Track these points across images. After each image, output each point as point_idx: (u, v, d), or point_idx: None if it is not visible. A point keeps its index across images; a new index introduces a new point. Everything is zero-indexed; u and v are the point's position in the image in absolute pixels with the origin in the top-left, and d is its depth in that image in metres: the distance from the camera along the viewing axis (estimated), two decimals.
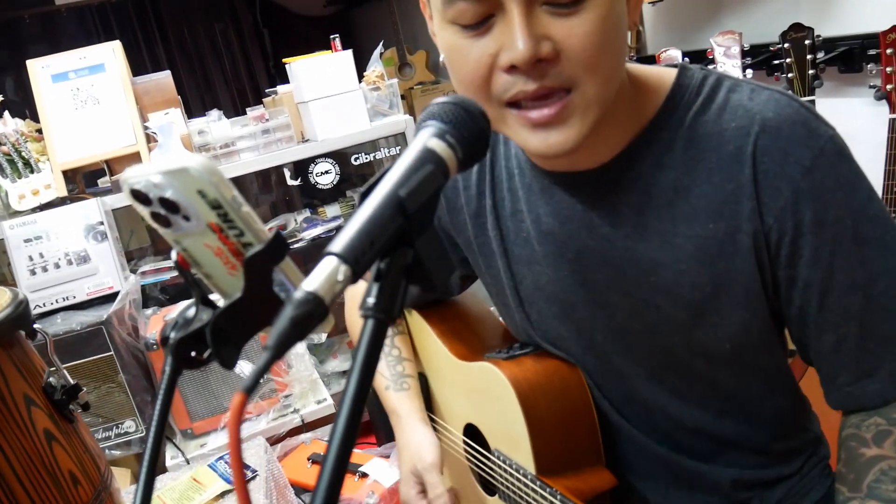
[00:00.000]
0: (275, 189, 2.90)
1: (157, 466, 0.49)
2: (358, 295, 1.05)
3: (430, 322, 0.96)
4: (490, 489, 0.89)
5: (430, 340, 0.96)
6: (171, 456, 1.97)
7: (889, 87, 1.61)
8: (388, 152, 2.40)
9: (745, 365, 0.75)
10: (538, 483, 0.74)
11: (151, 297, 2.31)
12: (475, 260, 0.88)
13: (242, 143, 2.30)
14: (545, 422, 0.76)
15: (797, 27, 1.82)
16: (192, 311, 0.50)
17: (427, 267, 0.46)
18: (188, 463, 1.84)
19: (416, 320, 1.00)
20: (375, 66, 2.38)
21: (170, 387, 0.48)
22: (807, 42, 1.81)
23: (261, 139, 2.32)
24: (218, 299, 0.51)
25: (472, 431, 0.90)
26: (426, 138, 0.50)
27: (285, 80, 2.48)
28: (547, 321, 0.81)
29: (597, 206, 0.73)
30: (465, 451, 0.92)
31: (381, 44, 2.45)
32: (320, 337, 2.20)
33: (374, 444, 2.18)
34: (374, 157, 2.40)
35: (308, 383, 2.19)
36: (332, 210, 2.57)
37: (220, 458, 1.60)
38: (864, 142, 1.82)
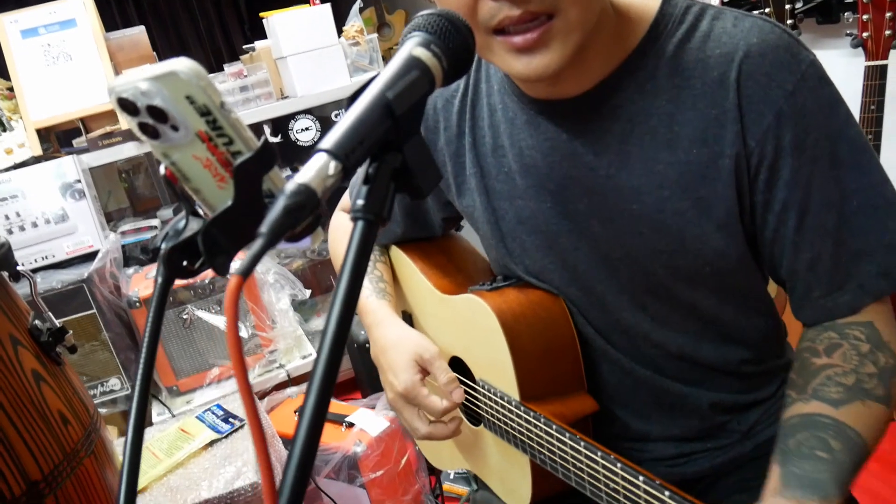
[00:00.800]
0: None
1: (149, 387, 0.50)
2: (341, 228, 1.06)
3: (414, 259, 0.97)
4: (475, 420, 0.91)
5: (414, 278, 0.97)
6: (157, 413, 1.98)
7: (865, 34, 1.63)
8: None
9: (724, 289, 0.77)
10: (522, 409, 0.76)
11: (132, 257, 2.29)
12: (456, 199, 0.89)
13: None
14: (528, 350, 0.78)
15: None
16: (182, 223, 0.50)
17: (414, 172, 0.47)
18: (174, 417, 1.86)
19: (399, 258, 1.01)
20: (355, 21, 2.36)
21: (161, 297, 0.49)
22: None
23: (239, 96, 2.29)
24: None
25: (457, 364, 0.91)
26: (412, 47, 0.50)
27: (260, 37, 2.44)
28: (530, 254, 0.83)
29: (581, 135, 0.74)
30: None
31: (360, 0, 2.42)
32: (304, 294, 2.20)
33: (360, 398, 2.21)
34: None
35: (293, 339, 2.21)
36: None
37: (208, 409, 1.62)
38: (844, 91, 1.84)
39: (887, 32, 1.61)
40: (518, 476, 0.83)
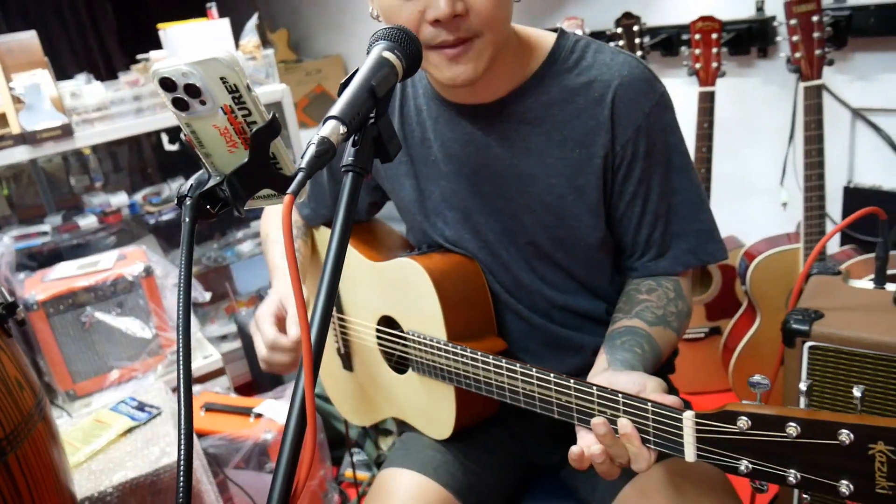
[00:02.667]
0: (152, 155, 2.88)
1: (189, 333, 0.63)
2: (272, 213, 1.20)
3: None
4: (402, 370, 1.07)
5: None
6: (55, 416, 1.96)
7: (697, 65, 1.98)
8: None
9: (592, 258, 1.00)
10: (451, 346, 0.95)
11: (19, 263, 2.25)
12: (386, 183, 1.07)
13: (115, 107, 2.30)
14: (453, 301, 0.97)
15: (628, 15, 2.16)
16: (205, 177, 0.64)
17: (385, 141, 0.65)
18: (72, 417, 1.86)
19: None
20: (251, 37, 2.47)
21: (191, 236, 0.63)
22: (635, 28, 2.15)
23: (133, 105, 2.33)
24: None
25: (385, 322, 1.08)
26: (381, 51, 0.68)
27: (144, 49, 2.47)
28: (450, 226, 1.02)
29: (492, 132, 0.95)
30: (379, 340, 1.10)
31: (256, 15, 2.53)
32: (204, 296, 2.26)
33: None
34: None
35: (194, 341, 2.26)
36: None
37: (121, 402, 1.66)
38: (681, 113, 2.20)
39: (714, 64, 1.97)
40: (443, 406, 1.00)
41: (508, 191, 0.96)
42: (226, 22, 2.34)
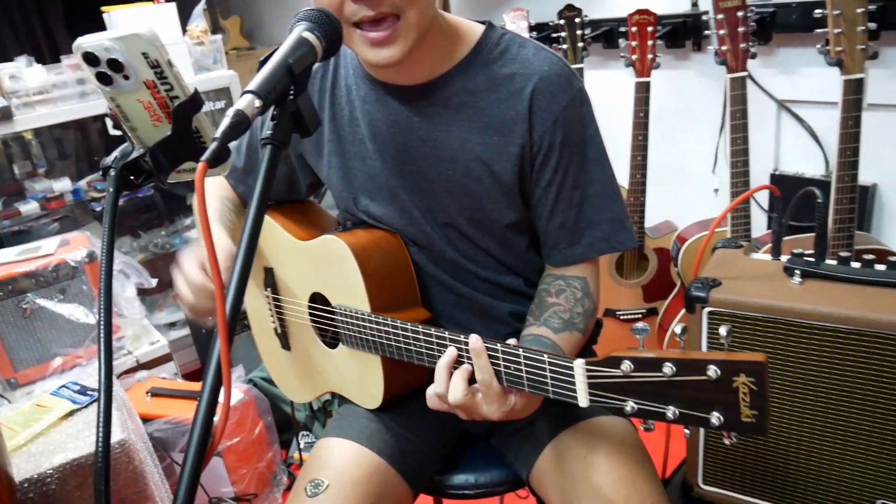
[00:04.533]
0: (98, 141, 2.84)
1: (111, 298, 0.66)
2: (211, 186, 1.22)
3: (275, 219, 1.17)
4: (334, 343, 1.11)
5: (275, 234, 1.16)
6: None
7: (633, 56, 2.05)
8: (214, 106, 2.49)
9: (507, 239, 1.06)
10: (373, 316, 0.99)
11: None
12: (316, 161, 1.10)
13: (58, 91, 2.27)
14: (375, 274, 1.01)
15: (570, 8, 2.22)
16: (129, 149, 0.67)
17: (304, 116, 0.69)
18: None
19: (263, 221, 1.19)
20: (199, 22, 2.46)
21: (114, 206, 0.66)
22: (577, 20, 2.22)
23: (77, 88, 2.30)
24: None
25: (316, 299, 1.12)
26: (301, 31, 0.72)
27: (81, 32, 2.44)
28: (376, 204, 1.06)
29: (417, 114, 0.99)
30: (311, 317, 1.13)
31: (204, 0, 2.52)
32: (150, 282, 2.26)
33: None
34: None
35: (140, 328, 2.25)
36: None
37: (63, 386, 1.66)
38: (619, 103, 2.28)
39: (649, 56, 2.05)
40: (372, 377, 1.05)
41: (430, 172, 1.01)
42: (172, 6, 2.33)
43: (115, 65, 0.63)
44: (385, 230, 1.07)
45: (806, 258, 0.92)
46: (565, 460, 0.97)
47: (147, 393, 2.00)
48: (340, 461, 0.99)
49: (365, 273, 1.00)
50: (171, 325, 2.73)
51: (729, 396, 0.63)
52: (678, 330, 0.68)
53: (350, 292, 1.02)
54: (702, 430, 0.97)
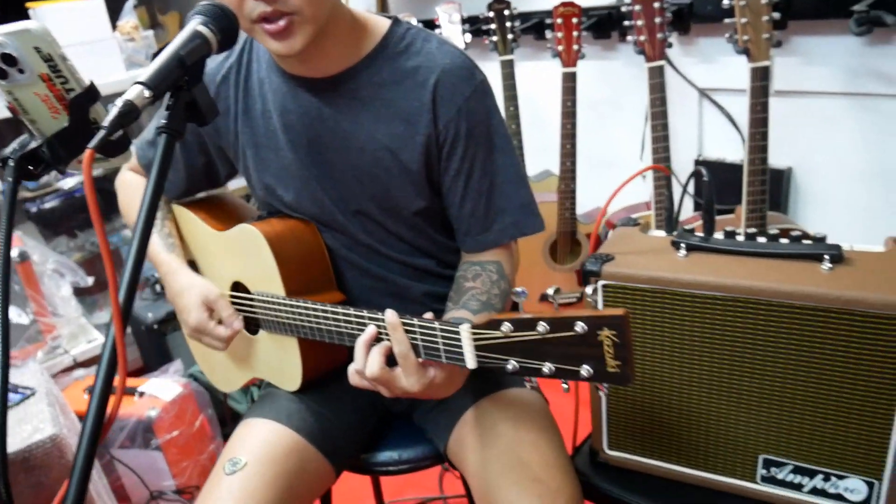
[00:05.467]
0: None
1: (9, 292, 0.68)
2: (127, 184, 1.24)
3: (195, 212, 1.20)
4: (256, 330, 1.15)
5: (195, 227, 1.19)
6: None
7: (560, 47, 2.12)
8: None
9: (417, 225, 1.10)
10: (288, 300, 1.03)
11: None
12: (232, 154, 1.14)
13: None
14: (289, 260, 1.05)
15: (500, 0, 2.27)
16: (27, 141, 0.69)
17: (199, 105, 0.72)
18: None
19: (182, 213, 1.22)
20: (129, 18, 2.44)
21: (13, 195, 0.68)
22: (506, 13, 2.27)
23: None
24: None
25: (237, 287, 1.15)
26: (195, 25, 0.75)
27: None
28: (289, 193, 1.09)
29: (328, 105, 1.03)
30: (233, 304, 1.16)
31: None
32: (86, 281, 2.24)
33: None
34: None
35: (77, 326, 2.23)
36: None
37: None
38: (548, 93, 2.34)
39: (575, 47, 2.11)
40: (291, 359, 1.08)
41: (340, 161, 1.05)
42: (100, 2, 2.30)
43: (8, 59, 0.65)
44: (299, 218, 1.10)
45: (695, 234, 0.99)
46: (476, 431, 1.02)
47: (85, 391, 1.99)
48: (259, 440, 1.03)
49: (279, 259, 1.03)
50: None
51: (595, 350, 0.68)
52: (550, 291, 0.74)
53: (266, 279, 1.06)
54: (604, 399, 1.03)
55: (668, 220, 1.02)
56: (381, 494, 1.79)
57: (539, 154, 2.50)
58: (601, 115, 2.45)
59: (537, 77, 2.54)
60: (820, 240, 0.92)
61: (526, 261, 2.38)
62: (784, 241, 0.95)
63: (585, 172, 2.29)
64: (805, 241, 0.93)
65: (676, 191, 2.32)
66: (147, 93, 0.65)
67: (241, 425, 1.09)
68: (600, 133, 2.47)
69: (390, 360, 0.88)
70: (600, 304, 0.97)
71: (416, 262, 1.12)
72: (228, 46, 0.79)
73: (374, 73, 1.01)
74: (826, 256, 0.88)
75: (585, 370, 0.69)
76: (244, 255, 1.10)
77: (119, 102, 0.63)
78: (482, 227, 1.07)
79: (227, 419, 2.23)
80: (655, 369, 0.97)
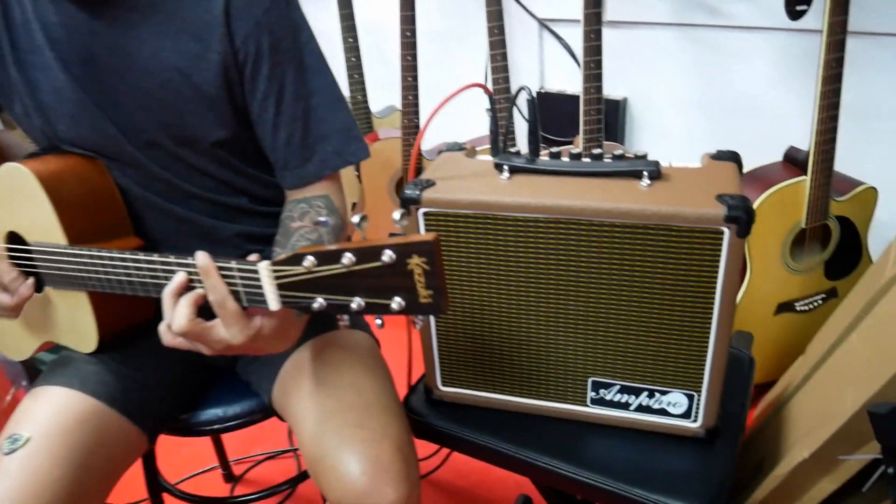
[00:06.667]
0: None
1: None
2: None
3: None
4: (40, 288, 0.98)
5: None
6: None
7: None
8: None
9: (221, 157, 0.98)
10: (70, 249, 0.88)
11: None
12: (3, 78, 0.94)
13: None
14: (70, 203, 0.89)
15: None
16: None
17: None
18: None
19: None
20: None
21: None
22: None
23: None
24: None
25: (14, 240, 0.97)
26: None
27: None
28: (65, 122, 0.92)
29: (99, 17, 0.86)
30: (11, 259, 0.99)
31: None
32: None
33: None
34: None
35: None
36: None
37: None
38: (392, 23, 2.23)
39: None
40: (84, 316, 0.94)
41: (122, 85, 0.90)
42: None
43: None
44: (82, 154, 0.94)
45: (519, 155, 0.94)
46: (298, 378, 0.94)
47: None
48: (46, 410, 0.89)
49: (56, 202, 0.88)
50: None
51: (406, 280, 0.62)
52: (356, 220, 0.66)
53: (44, 226, 0.90)
54: (434, 335, 0.98)
55: (494, 142, 0.97)
56: (224, 454, 1.68)
57: (382, 89, 2.40)
58: (444, 45, 2.37)
59: (376, 5, 2.41)
60: (641, 158, 0.91)
61: (372, 198, 2.30)
62: (608, 160, 0.92)
63: (430, 107, 2.22)
64: (626, 160, 0.91)
65: (520, 123, 2.31)
66: None
67: (28, 396, 0.94)
68: (443, 66, 2.40)
69: (207, 313, 0.76)
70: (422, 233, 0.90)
71: (224, 200, 1.00)
72: None
73: None
74: (645, 173, 0.87)
75: (397, 303, 0.63)
76: (16, 199, 0.92)
77: None
78: (302, 158, 0.96)
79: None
80: (484, 299, 0.93)
